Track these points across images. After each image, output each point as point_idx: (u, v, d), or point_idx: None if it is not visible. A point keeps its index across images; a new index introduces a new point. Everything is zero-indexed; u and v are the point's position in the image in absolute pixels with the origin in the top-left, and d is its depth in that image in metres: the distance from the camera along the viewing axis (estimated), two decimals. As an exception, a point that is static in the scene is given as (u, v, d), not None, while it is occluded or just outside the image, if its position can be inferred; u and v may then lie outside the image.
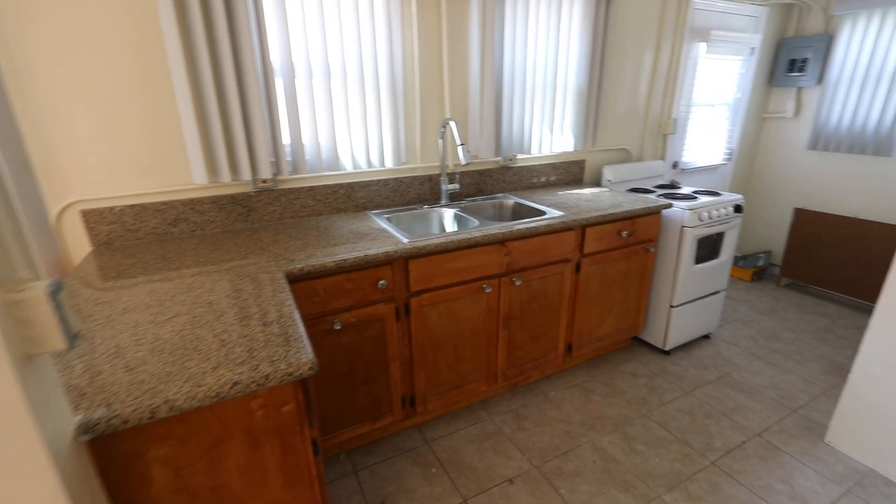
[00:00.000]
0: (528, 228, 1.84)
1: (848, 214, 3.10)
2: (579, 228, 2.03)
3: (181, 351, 0.92)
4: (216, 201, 1.81)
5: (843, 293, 3.10)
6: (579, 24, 2.31)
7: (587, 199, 2.31)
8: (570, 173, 2.71)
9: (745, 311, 3.06)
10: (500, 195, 2.39)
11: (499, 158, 2.41)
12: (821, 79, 3.13)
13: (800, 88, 3.28)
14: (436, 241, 1.66)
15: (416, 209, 2.12)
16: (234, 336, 0.98)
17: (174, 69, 1.53)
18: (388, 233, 1.76)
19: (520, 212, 2.24)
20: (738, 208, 2.44)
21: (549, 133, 2.45)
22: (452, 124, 1.95)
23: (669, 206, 2.27)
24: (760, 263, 3.59)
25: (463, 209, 2.17)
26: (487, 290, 1.85)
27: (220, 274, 1.36)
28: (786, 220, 3.48)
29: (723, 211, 2.37)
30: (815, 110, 3.18)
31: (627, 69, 2.67)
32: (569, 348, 2.26)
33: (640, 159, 2.98)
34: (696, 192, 2.56)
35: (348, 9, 1.79)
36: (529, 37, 2.20)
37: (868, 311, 3.03)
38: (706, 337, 2.72)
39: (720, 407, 2.11)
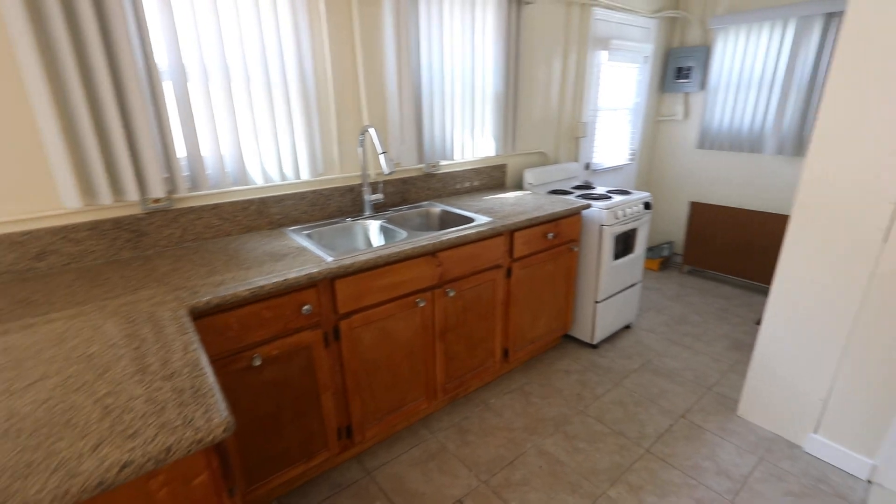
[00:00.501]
0: (458, 237, 1.79)
1: (734, 206, 3.48)
2: (508, 234, 2.03)
3: (47, 429, 0.72)
4: (95, 227, 1.52)
5: (734, 275, 3.48)
6: (493, 31, 2.33)
7: (512, 203, 2.33)
8: (492, 178, 2.72)
9: (656, 298, 3.30)
10: (425, 203, 2.32)
11: (422, 165, 2.34)
12: (703, 85, 3.48)
13: (686, 94, 3.63)
14: (363, 257, 1.54)
15: (338, 223, 1.98)
16: (123, 399, 0.80)
17: (26, 71, 1.25)
18: (310, 251, 1.61)
19: (447, 220, 2.19)
20: (647, 205, 2.61)
21: (470, 138, 2.44)
22: (372, 131, 1.84)
23: (589, 206, 2.36)
24: (665, 254, 3.91)
25: (388, 220, 2.06)
26: (421, 305, 1.77)
27: (104, 316, 1.12)
28: (683, 213, 3.83)
29: (635, 209, 2.52)
30: (701, 113, 3.54)
31: (540, 75, 2.75)
32: (505, 353, 2.25)
33: (556, 162, 3.08)
34: (609, 191, 2.71)
35: (247, 5, 1.61)
36: (445, 42, 2.16)
37: (756, 290, 3.43)
38: (627, 327, 2.89)
39: (647, 394, 2.23)
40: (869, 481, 1.71)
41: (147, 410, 0.76)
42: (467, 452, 1.88)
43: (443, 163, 2.43)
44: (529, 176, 2.73)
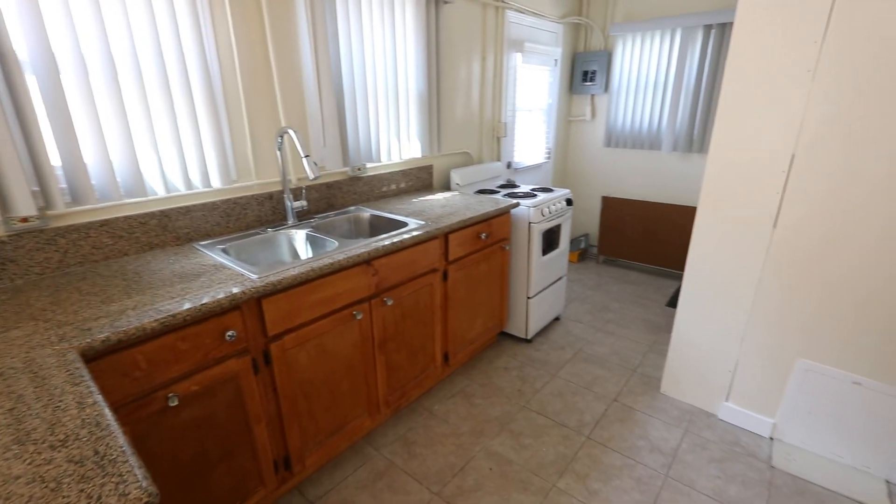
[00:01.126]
0: (394, 243, 1.71)
1: (640, 199, 3.79)
2: (443, 236, 1.99)
3: None
4: (-63, 257, 1.21)
5: (644, 262, 3.79)
6: (413, 30, 2.27)
7: (442, 204, 2.29)
8: (419, 179, 2.67)
9: (579, 289, 3.49)
10: (352, 209, 2.20)
11: (346, 169, 2.22)
12: (607, 87, 3.74)
13: (593, 95, 3.87)
14: (293, 271, 1.40)
15: (258, 234, 1.80)
16: (-3, 481, 0.61)
17: None
18: (229, 268, 1.43)
19: (378, 225, 2.10)
20: (569, 202, 2.73)
21: (396, 140, 2.36)
22: (292, 133, 1.69)
23: (517, 205, 2.40)
24: (582, 246, 4.15)
25: (315, 228, 1.92)
26: (359, 317, 1.66)
27: (-42, 372, 0.88)
28: (597, 206, 4.09)
29: (559, 205, 2.63)
30: (606, 114, 3.80)
31: (461, 76, 2.75)
32: (445, 357, 2.21)
33: (480, 162, 3.11)
34: (533, 189, 2.79)
35: (133, -12, 1.38)
36: (366, 40, 2.06)
37: (663, 275, 3.76)
38: (557, 319, 3.00)
39: (581, 382, 2.33)
40: (771, 438, 1.94)
41: (32, 494, 0.59)
42: (416, 465, 1.81)
43: (369, 165, 2.33)
44: (456, 176, 2.72)
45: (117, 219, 1.51)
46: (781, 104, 1.64)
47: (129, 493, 0.60)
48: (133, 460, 0.65)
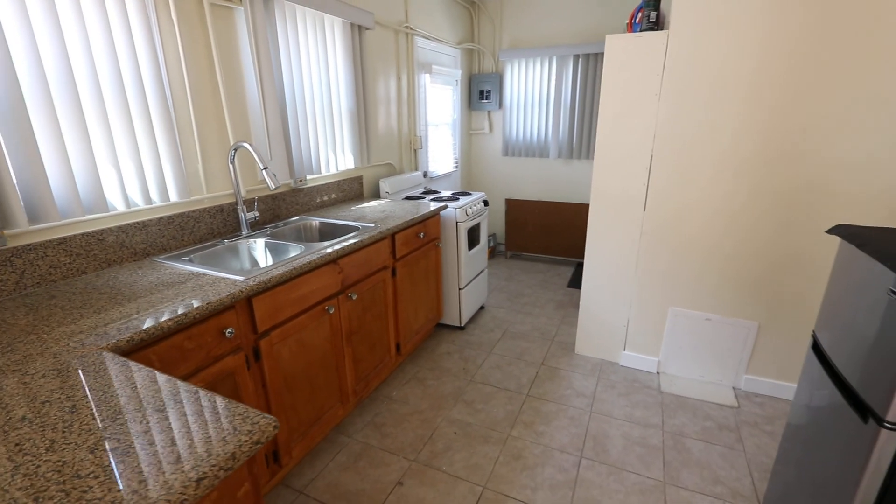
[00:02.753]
0: (355, 243, 1.90)
1: (536, 199, 4.39)
2: (391, 236, 2.22)
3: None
4: None
5: (544, 254, 4.39)
6: (342, 54, 2.48)
7: (380, 210, 2.52)
8: (351, 189, 2.86)
9: (495, 281, 3.93)
10: (296, 218, 2.32)
11: (290, 181, 2.33)
12: (500, 104, 4.30)
13: (489, 111, 4.41)
14: (278, 271, 1.53)
15: (216, 245, 1.85)
16: (134, 442, 0.73)
17: None
18: (207, 275, 1.50)
19: (327, 231, 2.25)
20: (485, 203, 3.14)
21: (332, 153, 2.53)
22: (249, 147, 1.80)
23: (446, 207, 2.73)
24: (492, 244, 4.64)
25: (272, 237, 2.02)
26: (331, 312, 1.82)
27: (-6, 380, 0.90)
28: (501, 208, 4.62)
29: (478, 206, 3.02)
30: (502, 127, 4.36)
31: (381, 94, 3.01)
32: (398, 348, 2.43)
33: (401, 171, 3.39)
34: (453, 194, 3.15)
35: (90, 7, 1.41)
36: (304, 64, 2.22)
37: (560, 263, 4.40)
38: (482, 308, 3.39)
39: (513, 354, 2.72)
40: (658, 372, 2.52)
41: (222, 428, 0.73)
42: (389, 442, 2.00)
43: (309, 177, 2.46)
44: (385, 185, 2.96)
45: (75, 236, 1.49)
46: (640, 119, 2.22)
47: (258, 422, 0.76)
48: (241, 405, 0.81)
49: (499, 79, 4.20)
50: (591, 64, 3.80)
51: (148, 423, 0.76)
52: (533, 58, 4.01)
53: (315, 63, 2.31)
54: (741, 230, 2.15)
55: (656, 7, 2.16)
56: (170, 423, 0.75)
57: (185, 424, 0.75)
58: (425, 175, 3.72)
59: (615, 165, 2.34)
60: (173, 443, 0.71)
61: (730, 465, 1.85)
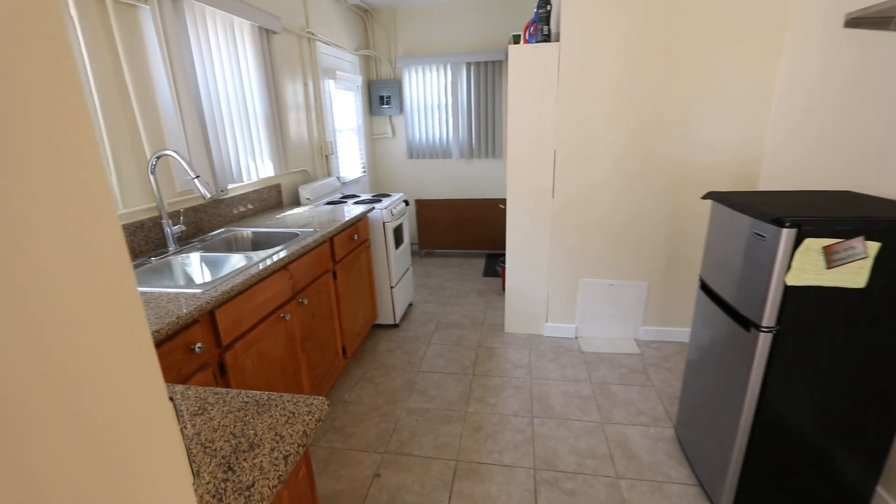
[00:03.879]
0: (303, 247, 1.89)
1: (443, 198, 4.63)
2: (330, 240, 2.23)
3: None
4: None
5: (457, 249, 4.65)
6: (253, 59, 2.41)
7: (307, 216, 2.49)
8: (271, 198, 2.76)
9: (416, 279, 4.07)
10: (222, 230, 2.19)
11: (213, 191, 2.19)
12: (401, 109, 4.45)
13: (390, 116, 4.53)
14: (239, 279, 1.49)
15: (144, 265, 1.69)
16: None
17: None
18: (159, 293, 1.40)
19: (262, 241, 2.17)
20: (406, 202, 3.26)
21: (252, 160, 2.43)
22: (175, 154, 1.69)
23: (373, 209, 2.80)
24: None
25: (205, 249, 1.90)
26: (287, 318, 1.79)
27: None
28: (412, 209, 4.76)
29: (400, 206, 3.13)
30: (405, 131, 4.51)
31: (291, 100, 2.95)
32: (343, 351, 2.43)
33: (315, 178, 3.35)
34: (374, 196, 3.21)
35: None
36: (217, 69, 2.12)
37: (472, 256, 4.70)
38: (411, 305, 3.50)
39: (451, 342, 2.89)
40: (576, 336, 2.90)
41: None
42: (355, 442, 2.02)
43: (230, 186, 2.34)
44: (306, 192, 2.91)
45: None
46: (545, 120, 2.55)
47: (313, 403, 0.81)
48: (286, 394, 0.84)
49: (398, 85, 4.35)
50: (482, 71, 4.15)
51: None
52: (428, 65, 4.23)
53: (228, 67, 2.21)
54: (629, 206, 2.60)
55: (547, 21, 2.51)
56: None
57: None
58: (338, 180, 3.71)
59: (526, 161, 2.65)
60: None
61: (645, 399, 2.25)
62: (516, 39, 2.72)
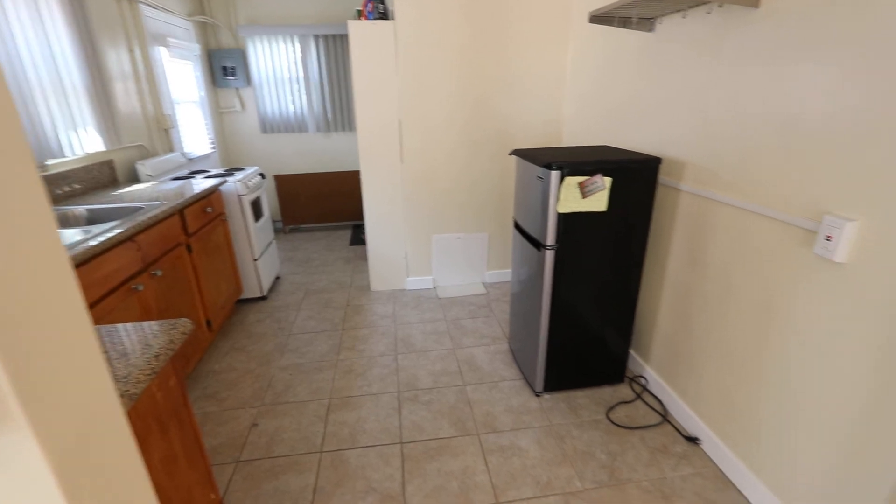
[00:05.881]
0: (150, 218, 1.88)
1: (304, 172, 4.63)
2: (180, 212, 2.20)
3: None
4: None
5: (321, 222, 4.73)
6: (62, 19, 2.18)
7: (154, 191, 2.40)
8: (103, 175, 2.55)
9: (283, 253, 4.08)
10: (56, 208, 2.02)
11: (25, 167, 1.98)
12: (249, 81, 4.29)
13: (237, 88, 4.33)
14: (74, 250, 1.47)
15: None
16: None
17: None
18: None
19: (102, 217, 2.05)
20: (262, 175, 3.26)
21: (74, 132, 2.23)
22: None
23: (225, 181, 2.77)
24: (268, 223, 4.67)
25: (28, 229, 1.76)
26: (140, 290, 1.79)
27: None
28: (272, 185, 4.66)
29: (255, 179, 3.13)
30: (255, 105, 4.37)
31: (115, 68, 2.71)
32: (209, 324, 2.45)
33: (155, 153, 3.13)
34: (226, 170, 3.14)
35: None
36: (16, 28, 1.89)
37: (336, 228, 4.82)
38: (278, 278, 3.54)
39: (320, 305, 3.06)
40: (434, 287, 3.30)
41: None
42: (230, 402, 2.11)
43: (50, 162, 2.13)
44: (146, 168, 2.74)
45: None
46: (386, 91, 2.80)
47: (176, 324, 0.96)
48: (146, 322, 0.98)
49: (241, 54, 4.17)
50: (331, 44, 4.21)
51: (66, 349, 0.86)
52: (275, 35, 4.14)
53: (32, 29, 1.99)
54: (467, 167, 3.03)
55: (382, 0, 2.73)
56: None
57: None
58: (184, 157, 3.50)
59: (374, 131, 2.88)
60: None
61: (488, 326, 2.74)
62: (359, 14, 2.89)
